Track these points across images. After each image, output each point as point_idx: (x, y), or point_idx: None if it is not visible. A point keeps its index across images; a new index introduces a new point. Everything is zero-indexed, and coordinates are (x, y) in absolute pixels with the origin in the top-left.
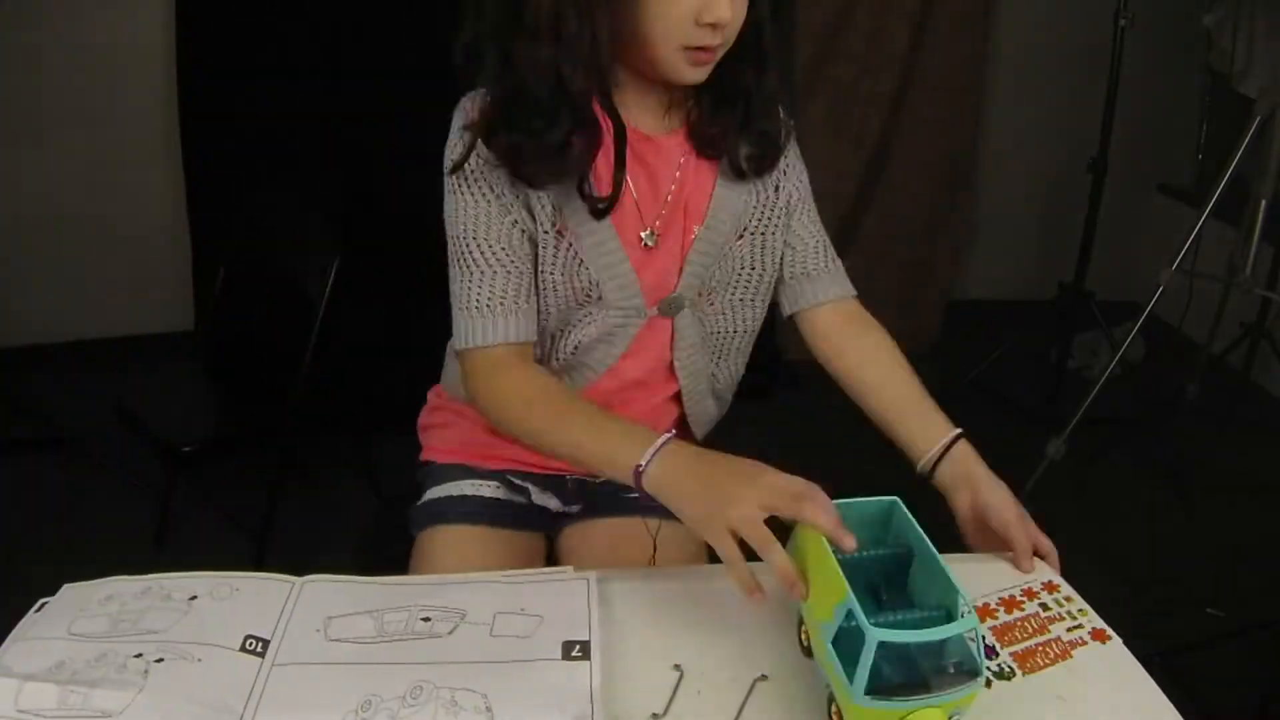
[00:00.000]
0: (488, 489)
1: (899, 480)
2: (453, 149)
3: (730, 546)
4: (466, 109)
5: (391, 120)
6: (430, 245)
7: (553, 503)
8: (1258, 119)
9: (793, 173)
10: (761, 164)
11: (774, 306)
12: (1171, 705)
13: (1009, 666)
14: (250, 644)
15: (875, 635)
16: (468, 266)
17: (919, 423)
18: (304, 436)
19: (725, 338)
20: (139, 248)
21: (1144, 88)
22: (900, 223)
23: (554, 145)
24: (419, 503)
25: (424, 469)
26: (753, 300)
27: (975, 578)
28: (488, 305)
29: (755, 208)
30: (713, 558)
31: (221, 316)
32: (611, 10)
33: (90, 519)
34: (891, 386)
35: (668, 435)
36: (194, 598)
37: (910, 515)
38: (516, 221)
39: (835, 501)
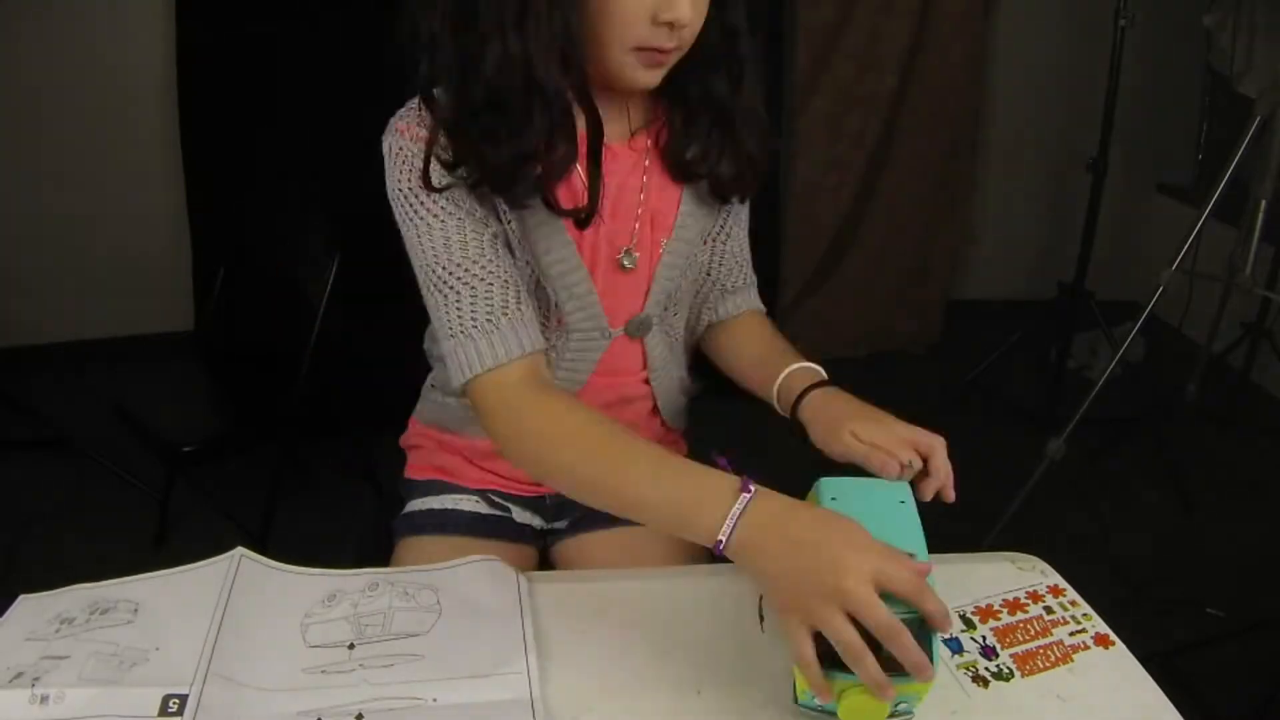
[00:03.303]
0: (467, 503)
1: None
2: (400, 176)
3: (843, 628)
4: (401, 130)
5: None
6: None
7: (535, 521)
8: (1258, 119)
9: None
10: (743, 188)
11: (769, 306)
12: (1172, 706)
13: (1008, 668)
14: (171, 704)
15: None
16: (450, 291)
17: (778, 364)
18: (304, 436)
19: (688, 339)
20: (139, 248)
21: (1144, 88)
22: (900, 223)
23: (531, 151)
24: (400, 514)
25: (405, 485)
26: (710, 303)
27: (978, 578)
28: (487, 321)
29: (718, 219)
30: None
31: (221, 316)
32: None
33: (90, 519)
34: (750, 347)
35: (748, 494)
36: (136, 609)
37: (916, 509)
38: (497, 235)
39: (850, 480)
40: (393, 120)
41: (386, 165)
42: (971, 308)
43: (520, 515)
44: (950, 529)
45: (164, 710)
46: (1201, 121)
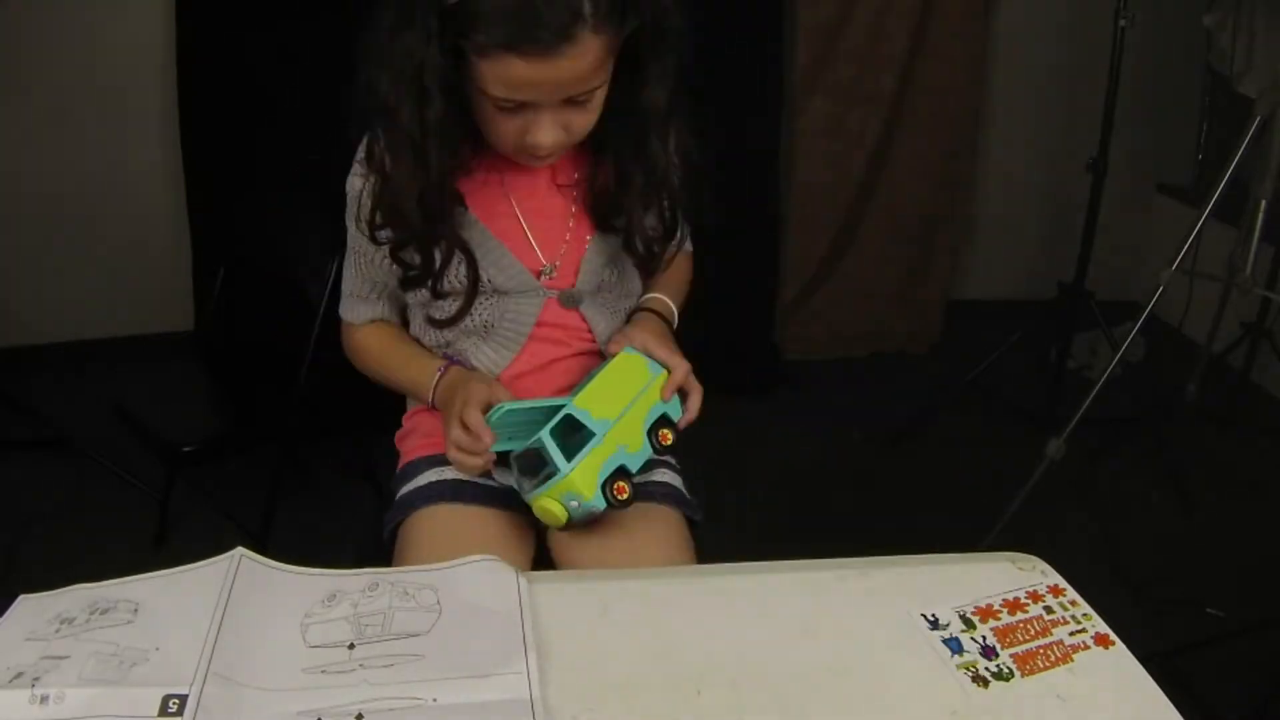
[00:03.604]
0: (450, 472)
1: (899, 481)
2: (353, 185)
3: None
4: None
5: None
6: None
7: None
8: (1258, 119)
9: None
10: (650, 261)
11: (769, 306)
12: (1173, 707)
13: (1008, 668)
14: (171, 705)
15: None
16: (354, 266)
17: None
18: (304, 436)
19: (632, 297)
20: (139, 248)
21: (1144, 88)
22: (900, 223)
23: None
24: (401, 494)
25: (405, 471)
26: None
27: (978, 578)
28: (359, 294)
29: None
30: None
31: (221, 316)
32: (448, 106)
33: (90, 519)
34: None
35: (440, 373)
36: (136, 609)
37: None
38: (381, 253)
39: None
40: (368, 138)
41: (355, 163)
42: (971, 308)
43: (501, 476)
44: (950, 529)
45: (164, 710)
46: (1201, 121)
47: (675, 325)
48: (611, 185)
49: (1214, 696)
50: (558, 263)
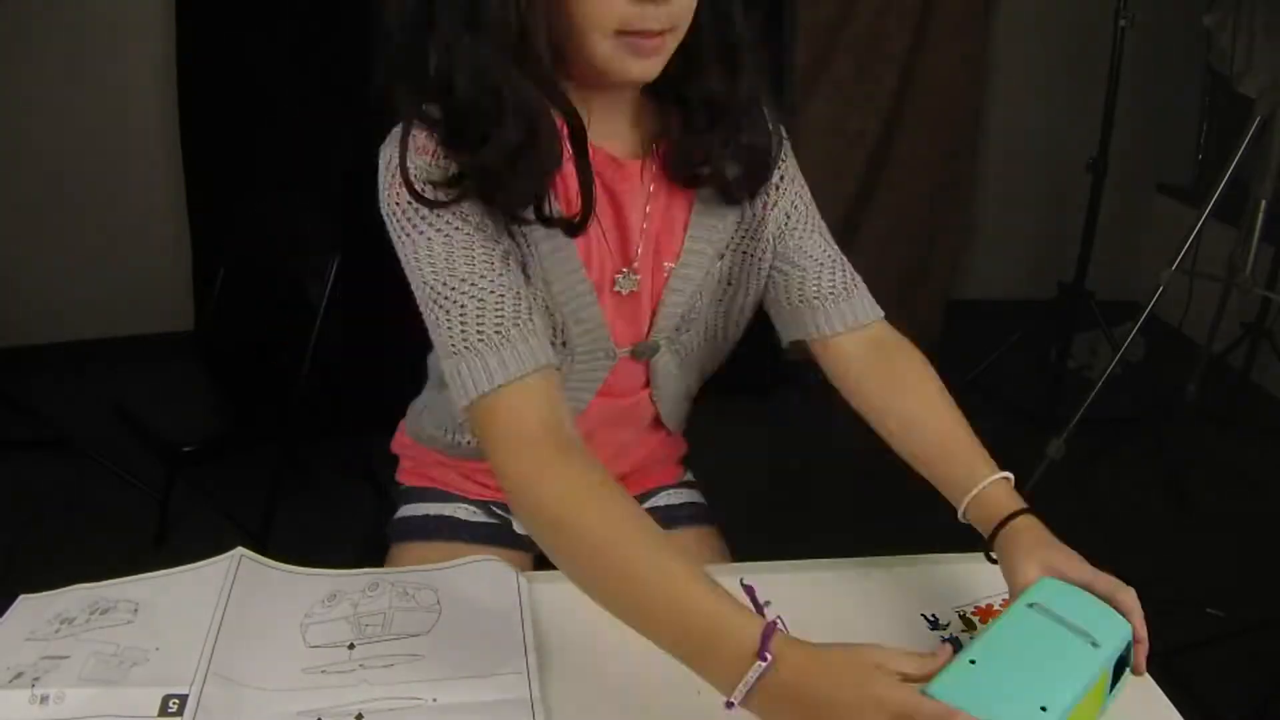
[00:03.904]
0: (464, 512)
1: (899, 481)
2: (397, 190)
3: None
4: (398, 141)
5: (392, 119)
6: None
7: None
8: (1258, 119)
9: (789, 186)
10: (753, 183)
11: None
12: (1173, 707)
13: None
14: (171, 704)
15: None
16: (454, 305)
17: (964, 470)
18: (304, 436)
19: (704, 358)
20: (139, 248)
21: (1144, 88)
22: (900, 223)
23: (510, 155)
24: (394, 518)
25: (397, 490)
26: (735, 319)
27: (978, 578)
28: (495, 333)
29: (739, 226)
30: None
31: (221, 316)
32: None
33: (90, 519)
34: (932, 424)
35: (763, 664)
36: (136, 609)
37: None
38: (509, 251)
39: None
40: (392, 134)
41: (381, 179)
42: (971, 308)
43: (521, 526)
44: (950, 529)
45: (164, 710)
46: (1201, 121)
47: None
48: (698, 123)
49: (1214, 696)
50: (635, 266)
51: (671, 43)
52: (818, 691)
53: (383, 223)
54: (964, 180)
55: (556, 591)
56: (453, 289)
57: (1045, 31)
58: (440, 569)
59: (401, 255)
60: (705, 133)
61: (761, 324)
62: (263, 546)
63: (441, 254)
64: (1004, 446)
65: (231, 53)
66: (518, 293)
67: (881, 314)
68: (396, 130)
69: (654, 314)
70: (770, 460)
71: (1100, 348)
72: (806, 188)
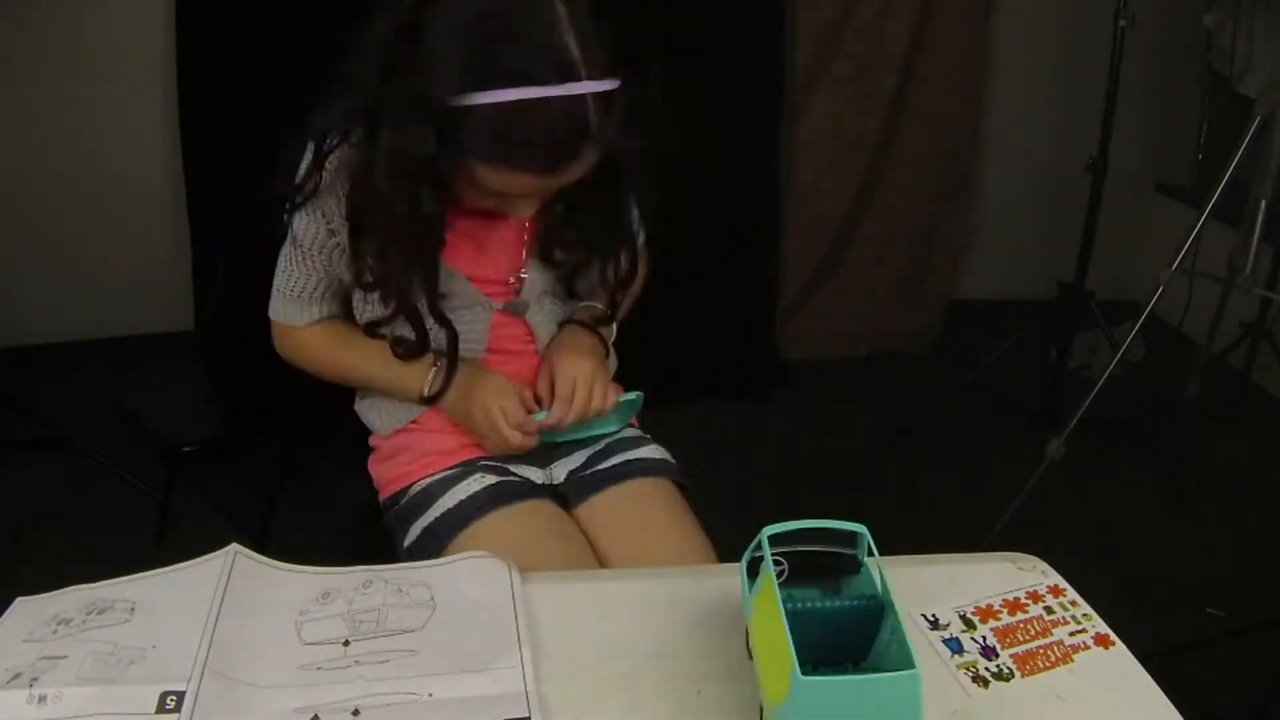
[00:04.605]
0: (477, 482)
1: (899, 481)
2: (307, 177)
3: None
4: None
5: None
6: None
7: (534, 474)
8: (1258, 119)
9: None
10: (621, 288)
11: (769, 306)
12: (1173, 707)
13: (1008, 668)
14: (168, 701)
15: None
16: (293, 264)
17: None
18: (304, 436)
19: (575, 296)
20: (139, 248)
21: (1144, 88)
22: (900, 222)
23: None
24: (427, 524)
25: (401, 500)
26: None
27: (978, 578)
28: (300, 295)
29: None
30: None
31: (221, 316)
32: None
33: (90, 519)
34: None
35: (436, 366)
36: (133, 608)
37: (874, 550)
38: (340, 244)
39: (799, 524)
40: (331, 135)
41: (305, 157)
42: (971, 308)
43: (520, 470)
44: (950, 529)
45: (161, 707)
46: (1201, 121)
47: (612, 336)
48: (566, 227)
49: (1214, 696)
50: (508, 278)
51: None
52: (469, 388)
53: None
54: (964, 180)
55: (557, 592)
56: (297, 255)
57: (1045, 31)
58: (433, 565)
59: (294, 217)
60: (578, 245)
61: (761, 324)
62: (262, 546)
63: (307, 232)
64: (1004, 446)
65: (231, 53)
66: (325, 276)
67: (641, 239)
68: (334, 136)
69: (521, 284)
70: (768, 461)
71: (1100, 348)
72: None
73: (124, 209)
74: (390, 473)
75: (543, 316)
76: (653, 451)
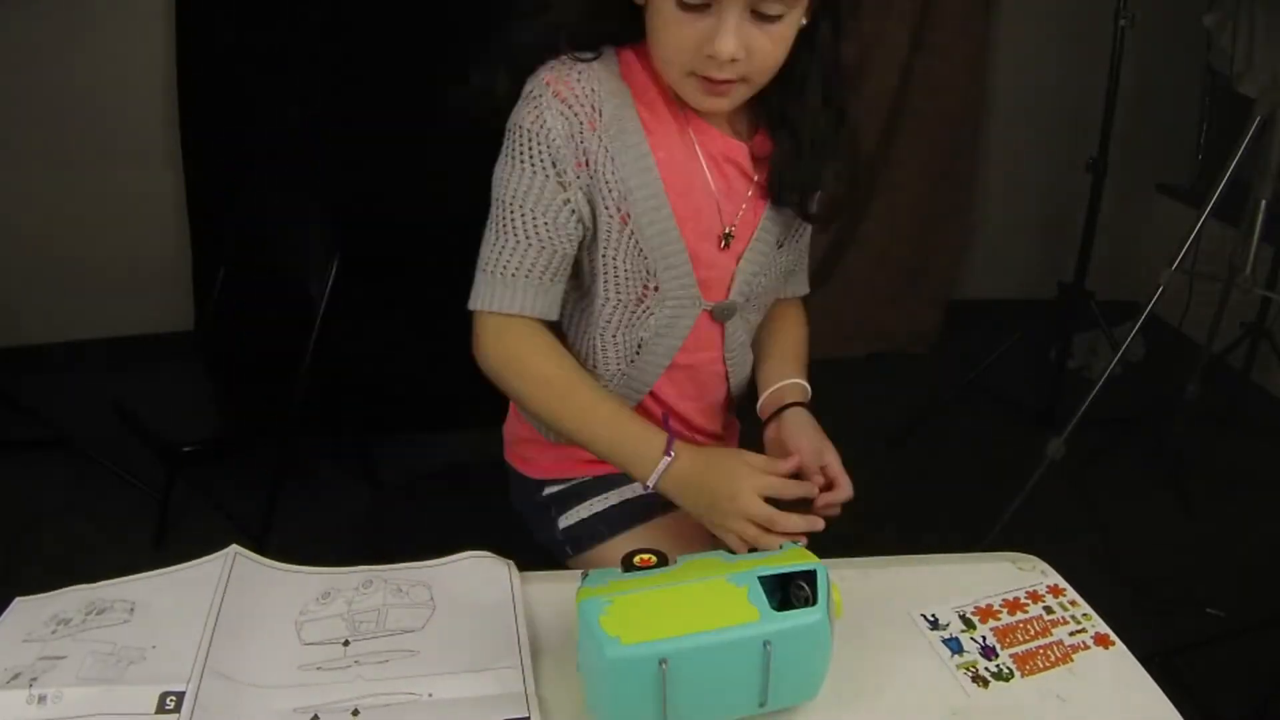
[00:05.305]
0: (614, 496)
1: (899, 481)
2: (528, 115)
3: (744, 529)
4: (548, 81)
5: (391, 120)
6: (430, 245)
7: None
8: (1258, 119)
9: None
10: (827, 219)
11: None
12: (1173, 707)
13: (1008, 668)
14: (168, 701)
15: None
16: (506, 232)
17: (775, 368)
18: (304, 436)
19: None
20: (139, 248)
21: (1144, 88)
22: (900, 222)
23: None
24: (568, 525)
25: (569, 484)
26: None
27: (978, 578)
28: (514, 274)
29: (796, 219)
30: None
31: (221, 316)
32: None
33: (90, 519)
34: (773, 335)
35: (667, 458)
36: (132, 608)
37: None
38: (569, 201)
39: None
40: (541, 70)
41: (521, 100)
42: (971, 308)
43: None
44: (950, 529)
45: (161, 707)
46: (1201, 121)
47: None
48: (794, 151)
49: (1214, 696)
50: (735, 227)
51: (743, 90)
52: (703, 479)
53: (383, 221)
54: (964, 180)
55: (557, 592)
56: (513, 219)
57: (1045, 31)
58: (433, 565)
59: (498, 166)
60: (801, 161)
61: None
62: (262, 546)
63: (523, 187)
64: (1004, 446)
65: (231, 52)
66: (546, 247)
67: (806, 290)
68: (545, 70)
69: (733, 278)
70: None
71: (1100, 348)
72: None
73: (124, 209)
74: (553, 457)
75: (739, 325)
76: None
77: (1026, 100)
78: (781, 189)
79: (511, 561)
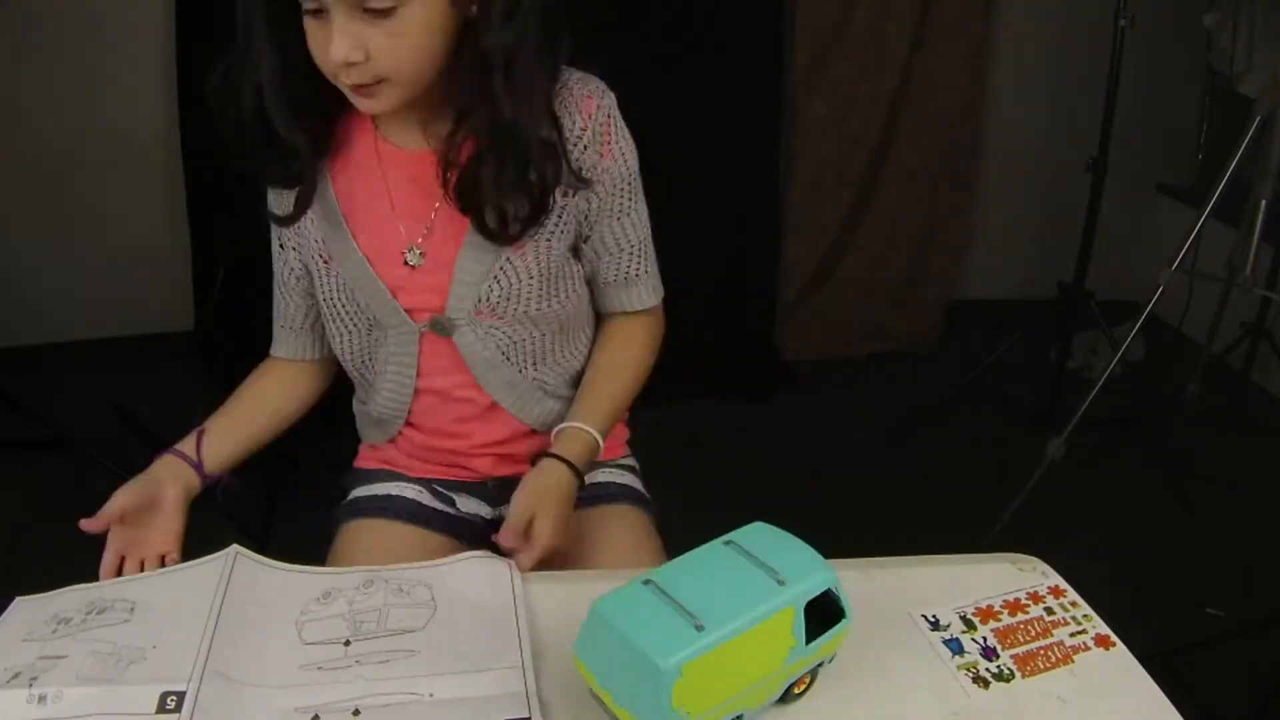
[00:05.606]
0: (410, 491)
1: (899, 481)
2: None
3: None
4: None
5: None
6: None
7: (483, 510)
8: (1258, 119)
9: (604, 178)
10: (526, 224)
11: (769, 306)
12: (1173, 708)
13: (1009, 669)
14: (169, 701)
15: None
16: (276, 285)
17: (573, 406)
18: (304, 436)
19: (534, 343)
20: (139, 248)
21: (1144, 88)
22: (900, 222)
23: (279, 155)
24: (342, 503)
25: (350, 475)
26: (551, 304)
27: (978, 579)
28: (280, 327)
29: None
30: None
31: (221, 316)
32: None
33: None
34: (591, 363)
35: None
36: (133, 608)
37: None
38: (287, 261)
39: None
40: None
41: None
42: (971, 308)
43: (466, 504)
44: (950, 529)
45: (162, 707)
46: (1201, 121)
47: (600, 449)
48: (466, 154)
49: (1214, 696)
50: (420, 242)
51: (392, 89)
52: None
53: None
54: (964, 180)
55: (556, 592)
56: (278, 278)
57: (1045, 31)
58: (434, 565)
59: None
60: (491, 167)
61: (762, 325)
62: (262, 546)
63: (279, 260)
64: (1004, 446)
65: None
66: (290, 298)
67: (654, 303)
68: None
69: (448, 290)
70: (769, 461)
71: (1100, 348)
72: (627, 162)
73: (124, 210)
74: (364, 451)
75: (476, 338)
76: (625, 478)
77: (1026, 100)
78: (457, 195)
79: (512, 561)
